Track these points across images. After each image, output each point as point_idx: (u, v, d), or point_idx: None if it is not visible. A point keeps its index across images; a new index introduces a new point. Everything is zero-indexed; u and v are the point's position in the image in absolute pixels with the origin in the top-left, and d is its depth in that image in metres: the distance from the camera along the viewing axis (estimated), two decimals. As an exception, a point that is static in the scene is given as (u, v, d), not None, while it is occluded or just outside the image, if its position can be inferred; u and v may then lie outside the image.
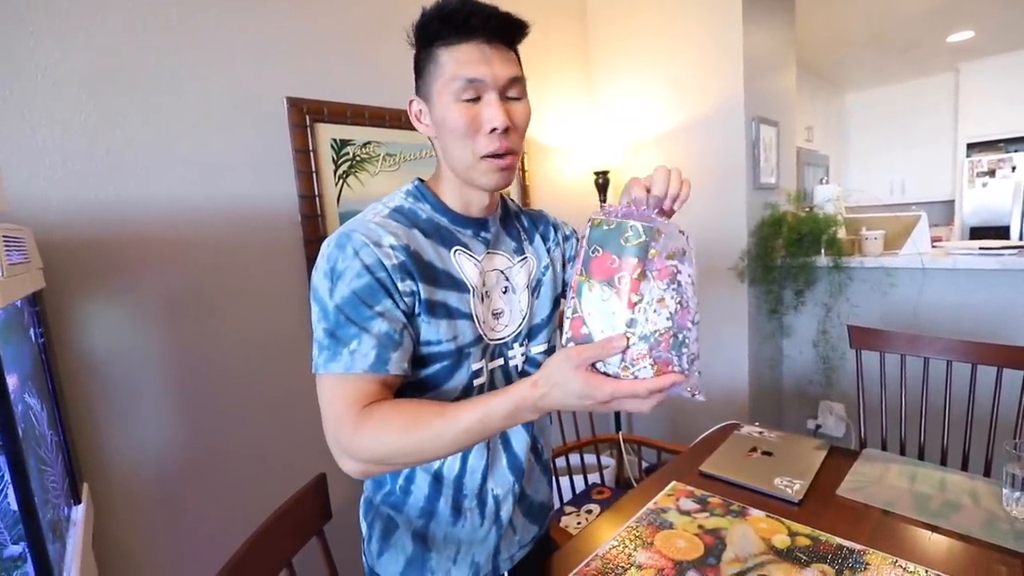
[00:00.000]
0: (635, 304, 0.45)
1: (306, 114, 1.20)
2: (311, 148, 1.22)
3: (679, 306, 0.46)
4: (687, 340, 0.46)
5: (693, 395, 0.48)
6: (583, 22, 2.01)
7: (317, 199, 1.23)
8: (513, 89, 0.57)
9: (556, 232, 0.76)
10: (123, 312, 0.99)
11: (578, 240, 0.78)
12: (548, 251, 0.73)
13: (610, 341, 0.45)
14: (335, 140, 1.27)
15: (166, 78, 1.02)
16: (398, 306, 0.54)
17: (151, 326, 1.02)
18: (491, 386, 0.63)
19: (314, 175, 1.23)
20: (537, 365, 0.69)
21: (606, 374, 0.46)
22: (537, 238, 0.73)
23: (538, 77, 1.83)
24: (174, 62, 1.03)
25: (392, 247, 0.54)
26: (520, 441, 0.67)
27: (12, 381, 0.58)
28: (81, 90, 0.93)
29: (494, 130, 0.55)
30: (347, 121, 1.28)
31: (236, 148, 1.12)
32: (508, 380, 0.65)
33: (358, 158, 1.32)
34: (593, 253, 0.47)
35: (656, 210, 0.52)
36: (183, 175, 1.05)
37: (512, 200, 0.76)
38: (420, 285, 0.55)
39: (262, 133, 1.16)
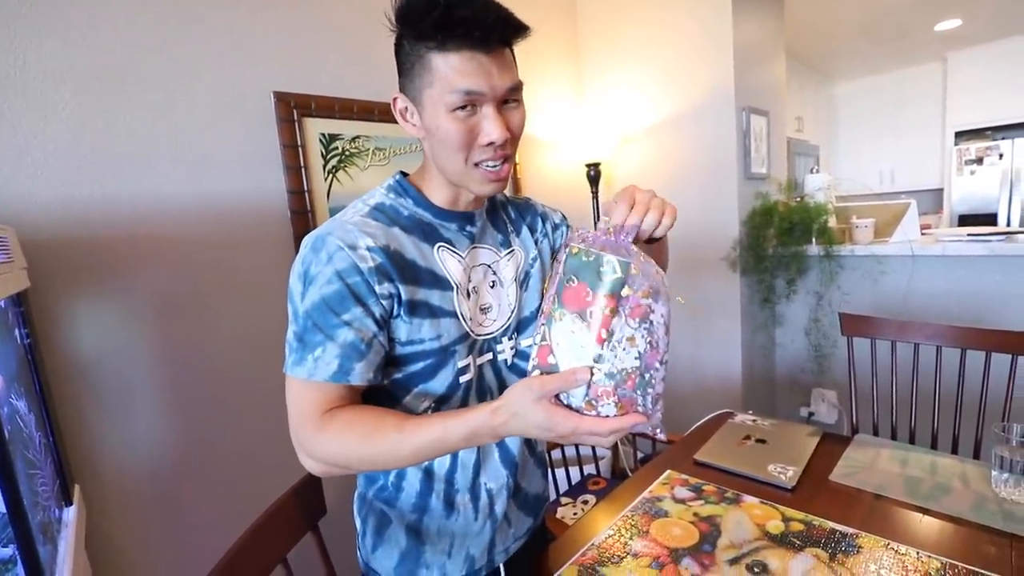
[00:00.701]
0: (604, 340, 0.45)
1: (294, 108, 1.19)
2: (299, 143, 1.20)
3: (649, 346, 0.46)
4: (653, 380, 0.46)
5: (655, 433, 0.49)
6: (572, 13, 2.00)
7: (306, 194, 1.22)
8: (511, 96, 0.54)
9: (544, 222, 0.74)
10: (111, 311, 0.98)
11: (568, 228, 0.78)
12: (536, 242, 0.71)
13: (574, 373, 0.45)
14: (324, 135, 1.26)
15: (151, 73, 1.01)
16: (371, 314, 0.53)
17: (140, 324, 1.01)
18: (479, 381, 0.63)
19: (303, 170, 1.21)
20: (527, 358, 0.68)
21: (568, 406, 0.46)
22: (524, 230, 0.71)
23: (528, 70, 1.80)
24: (159, 57, 1.01)
25: (369, 249, 0.53)
26: (515, 440, 0.67)
27: (-4, 382, 0.57)
28: (64, 86, 0.91)
29: (491, 143, 0.53)
30: (335, 115, 1.26)
31: (223, 144, 1.11)
32: (497, 375, 0.65)
33: (347, 152, 1.30)
34: (568, 282, 0.47)
35: (632, 237, 0.50)
36: (169, 172, 1.04)
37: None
38: (400, 286, 0.54)
39: (249, 128, 1.14)
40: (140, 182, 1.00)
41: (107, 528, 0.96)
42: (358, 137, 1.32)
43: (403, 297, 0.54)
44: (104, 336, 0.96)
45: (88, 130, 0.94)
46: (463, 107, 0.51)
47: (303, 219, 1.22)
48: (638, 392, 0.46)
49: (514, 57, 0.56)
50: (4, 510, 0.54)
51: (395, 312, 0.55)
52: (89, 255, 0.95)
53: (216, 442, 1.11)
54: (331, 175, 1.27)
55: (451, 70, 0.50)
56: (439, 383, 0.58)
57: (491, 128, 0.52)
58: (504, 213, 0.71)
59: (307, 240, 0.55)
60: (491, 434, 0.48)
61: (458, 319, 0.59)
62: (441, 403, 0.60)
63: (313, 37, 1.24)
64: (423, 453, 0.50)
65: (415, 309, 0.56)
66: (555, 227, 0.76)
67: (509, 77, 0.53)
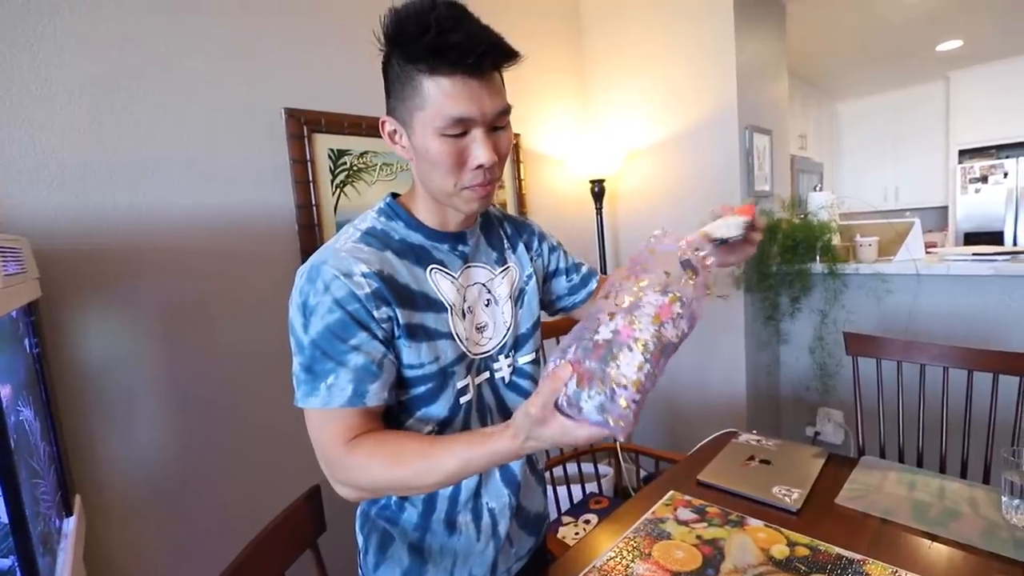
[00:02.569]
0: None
1: (304, 124, 1.21)
2: (308, 158, 1.22)
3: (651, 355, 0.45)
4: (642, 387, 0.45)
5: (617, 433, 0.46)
6: (577, 32, 2.04)
7: (314, 209, 1.24)
8: (499, 120, 0.54)
9: (540, 243, 0.75)
10: (119, 322, 0.99)
11: (564, 252, 0.79)
12: (531, 259, 0.72)
13: (556, 374, 0.44)
14: (332, 150, 1.28)
15: (164, 89, 1.03)
16: (376, 336, 0.53)
17: (147, 336, 1.02)
18: (479, 401, 0.62)
19: (311, 185, 1.23)
20: (525, 375, 0.68)
21: (573, 405, 0.44)
22: (521, 246, 0.71)
23: (533, 87, 1.85)
24: (172, 73, 1.04)
25: (364, 275, 0.53)
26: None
27: (5, 392, 0.58)
28: (80, 100, 0.94)
29: (480, 166, 0.53)
30: (344, 131, 1.29)
31: (234, 158, 1.13)
32: (495, 393, 0.65)
33: (355, 168, 1.32)
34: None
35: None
36: (180, 185, 1.06)
37: (495, 206, 0.75)
38: (397, 310, 0.54)
39: (260, 143, 1.17)
40: (151, 194, 1.02)
41: (106, 540, 0.96)
42: (366, 153, 1.34)
43: (400, 321, 0.55)
44: (111, 346, 0.97)
45: (103, 143, 0.96)
46: (454, 131, 0.52)
47: (310, 233, 1.23)
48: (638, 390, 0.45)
49: (503, 81, 0.56)
50: (6, 519, 0.54)
51: (396, 334, 0.55)
52: (99, 266, 0.96)
53: (217, 457, 1.11)
54: (339, 190, 1.29)
55: (442, 95, 0.50)
56: (440, 407, 0.58)
57: (481, 152, 0.53)
58: (500, 228, 0.71)
59: (302, 270, 0.55)
60: (515, 456, 0.49)
61: (454, 340, 0.59)
62: (444, 427, 0.60)
63: (324, 55, 1.27)
64: (450, 479, 0.51)
65: (413, 332, 0.56)
66: (552, 249, 0.77)
67: (499, 102, 0.53)
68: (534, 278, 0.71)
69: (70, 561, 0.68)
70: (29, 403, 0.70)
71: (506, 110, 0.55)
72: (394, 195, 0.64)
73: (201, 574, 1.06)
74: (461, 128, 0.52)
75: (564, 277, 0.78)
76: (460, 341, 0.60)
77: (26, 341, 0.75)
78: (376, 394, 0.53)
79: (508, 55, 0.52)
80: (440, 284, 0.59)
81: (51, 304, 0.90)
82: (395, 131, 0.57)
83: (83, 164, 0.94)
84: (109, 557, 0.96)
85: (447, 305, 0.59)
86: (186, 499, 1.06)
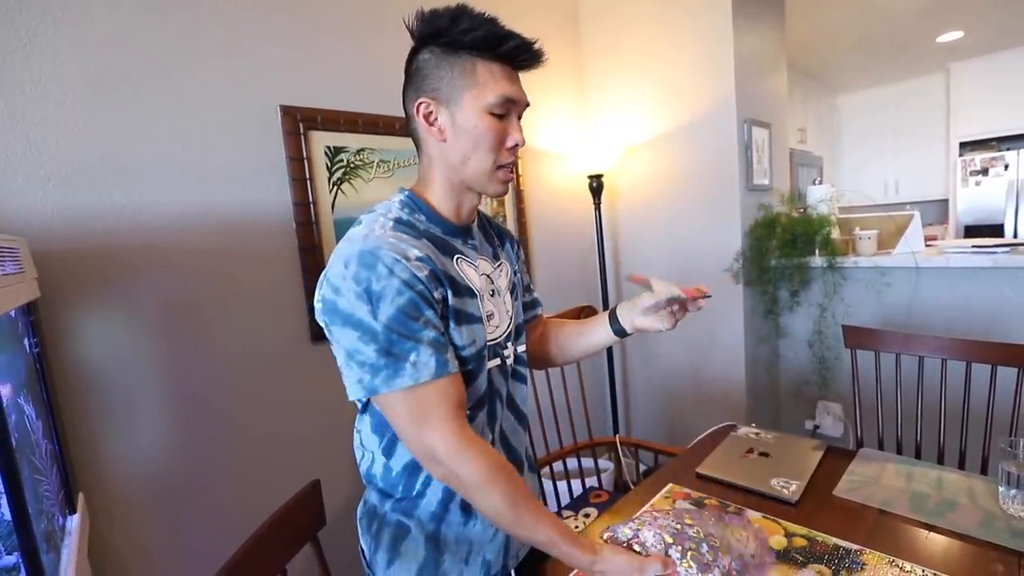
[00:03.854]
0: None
1: (300, 122, 1.21)
2: (305, 156, 1.22)
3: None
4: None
5: None
6: (575, 26, 2.03)
7: (311, 206, 1.24)
8: (523, 112, 0.63)
9: (517, 250, 0.80)
10: (118, 321, 0.99)
11: (525, 270, 0.84)
12: (516, 258, 0.77)
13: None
14: (329, 147, 1.28)
15: (160, 87, 1.03)
16: (438, 313, 0.56)
17: (146, 335, 1.02)
18: (490, 386, 0.65)
19: (308, 182, 1.23)
20: (523, 363, 0.73)
21: None
22: (507, 245, 0.77)
23: (530, 81, 1.83)
24: (168, 71, 1.04)
25: (419, 258, 0.55)
26: (519, 442, 0.72)
27: (6, 390, 0.58)
28: (76, 99, 0.94)
29: (515, 146, 0.61)
30: (341, 128, 1.29)
31: (230, 156, 1.13)
32: (505, 378, 0.68)
33: (352, 165, 1.32)
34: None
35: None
36: (177, 184, 1.06)
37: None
38: (448, 292, 0.58)
39: (256, 141, 1.16)
40: (148, 193, 1.02)
41: (110, 537, 0.97)
42: (363, 150, 1.34)
43: (451, 303, 0.58)
44: (110, 345, 0.98)
45: (98, 142, 0.96)
46: (500, 110, 0.59)
47: (308, 231, 1.23)
48: None
49: None
50: (9, 517, 0.55)
51: (447, 314, 0.58)
52: (97, 266, 0.96)
53: (218, 454, 1.11)
54: (336, 187, 1.29)
55: (494, 78, 0.58)
56: (476, 390, 0.62)
57: (517, 133, 0.61)
58: (489, 227, 0.76)
59: (348, 259, 0.53)
60: (582, 569, 0.57)
61: (483, 324, 0.63)
62: (475, 410, 0.63)
63: (319, 51, 1.26)
64: (523, 537, 0.57)
65: (459, 316, 0.59)
66: (520, 260, 0.81)
67: (526, 96, 0.62)
68: (518, 274, 0.77)
69: (74, 558, 0.69)
70: (30, 402, 0.70)
71: (528, 104, 0.63)
72: (407, 190, 0.66)
73: (203, 569, 1.06)
74: (506, 108, 0.59)
75: (521, 292, 0.81)
76: (486, 326, 0.64)
77: (26, 340, 0.75)
78: (453, 363, 0.56)
79: (541, 59, 0.62)
80: (466, 272, 0.63)
81: (50, 304, 0.90)
82: (431, 112, 0.60)
83: (79, 163, 0.94)
84: (113, 554, 0.97)
85: (476, 291, 0.63)
86: (188, 496, 1.07)
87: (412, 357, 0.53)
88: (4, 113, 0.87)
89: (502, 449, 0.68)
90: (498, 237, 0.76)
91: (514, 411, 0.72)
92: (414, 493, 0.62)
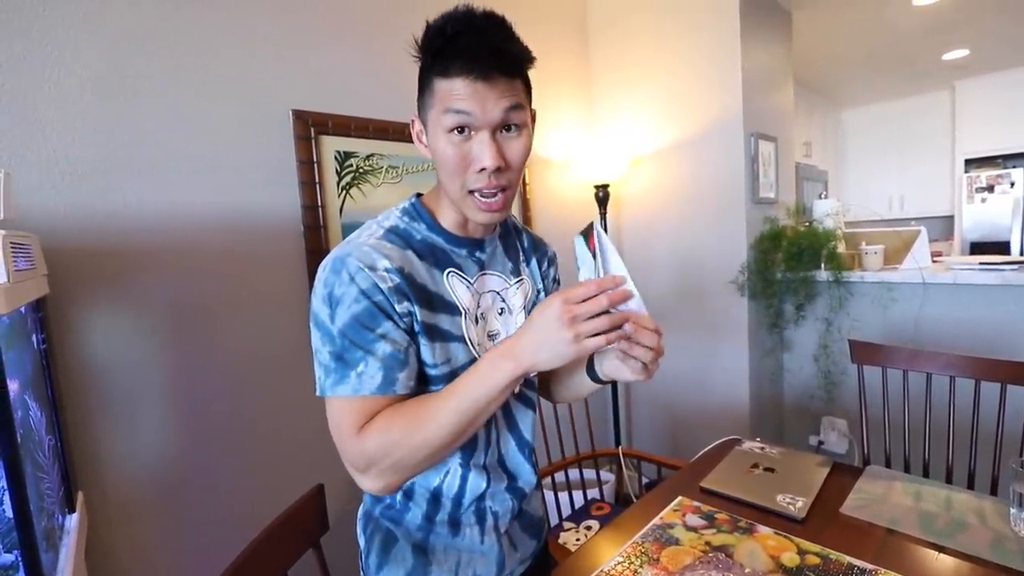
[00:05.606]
0: None
1: (311, 126, 1.22)
2: (315, 160, 1.23)
3: None
4: None
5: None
6: (584, 38, 2.05)
7: (320, 210, 1.25)
8: (511, 123, 0.54)
9: (550, 268, 0.76)
10: (125, 319, 0.99)
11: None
12: (543, 276, 0.73)
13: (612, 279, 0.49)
14: (339, 152, 1.29)
15: (173, 89, 1.04)
16: (399, 327, 0.54)
17: (152, 334, 1.02)
18: None
19: (317, 186, 1.24)
20: (532, 387, 0.70)
21: None
22: (534, 261, 0.73)
23: (539, 91, 1.84)
24: (181, 74, 1.05)
25: (387, 270, 0.54)
26: (521, 467, 0.67)
27: (13, 387, 0.58)
28: (90, 99, 0.95)
29: (482, 169, 0.53)
30: (351, 134, 1.30)
31: (242, 158, 1.14)
32: (506, 402, 0.65)
33: (361, 170, 1.33)
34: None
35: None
36: (189, 184, 1.06)
37: (514, 217, 0.76)
38: (416, 307, 0.56)
39: (267, 144, 1.17)
40: (159, 193, 1.03)
41: (107, 537, 0.96)
42: (372, 155, 1.35)
43: (419, 318, 0.56)
44: (116, 344, 0.98)
45: (111, 142, 0.97)
46: (459, 130, 0.53)
47: (316, 234, 1.24)
48: None
49: (526, 84, 0.57)
50: (10, 514, 0.55)
51: (416, 329, 0.56)
52: (106, 264, 0.97)
53: (221, 456, 1.11)
54: (344, 192, 1.30)
55: (447, 93, 0.52)
56: None
57: (482, 153, 0.53)
58: (518, 240, 0.72)
59: (326, 262, 0.56)
60: (508, 351, 0.50)
61: (466, 344, 0.60)
62: None
63: (332, 57, 1.28)
64: (464, 407, 0.51)
65: (429, 332, 0.57)
66: (555, 281, 0.77)
67: (505, 102, 0.53)
68: (542, 294, 0.72)
69: (72, 558, 0.68)
70: (35, 398, 0.70)
71: (516, 109, 0.54)
72: (419, 195, 0.65)
73: (203, 573, 1.05)
74: (464, 126, 0.53)
75: None
76: (472, 346, 0.60)
77: (34, 337, 0.75)
78: (404, 382, 0.54)
79: (514, 58, 0.53)
80: (456, 288, 0.60)
81: (59, 301, 0.91)
82: (421, 131, 0.59)
83: (91, 163, 0.95)
84: (110, 555, 0.96)
85: (462, 309, 0.60)
86: (188, 498, 1.06)
87: (360, 367, 0.52)
88: (20, 111, 0.88)
89: (504, 476, 0.65)
90: (525, 252, 0.72)
91: (516, 437, 0.67)
92: (398, 503, 0.62)
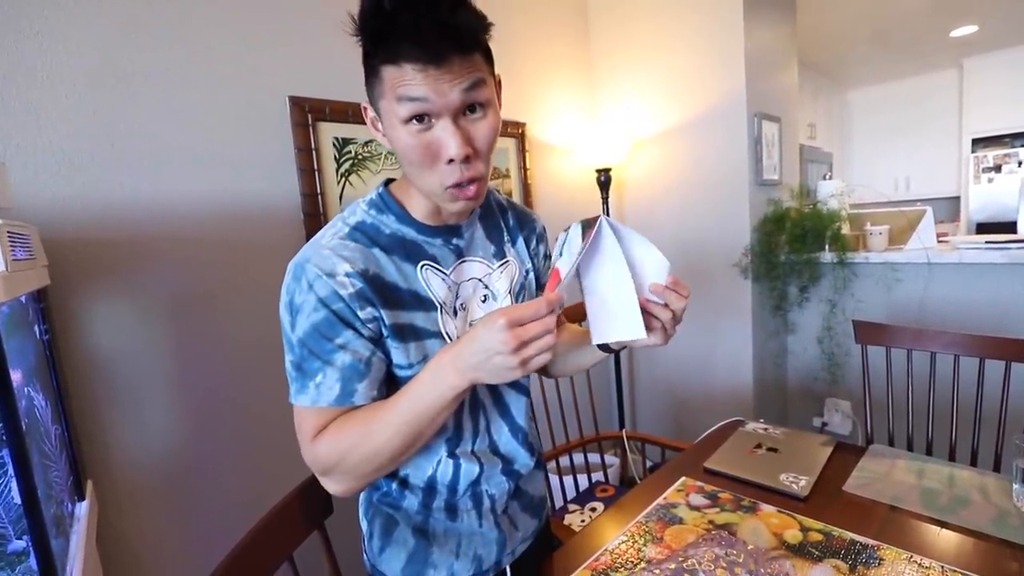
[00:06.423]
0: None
1: (308, 113, 1.21)
2: (313, 147, 1.22)
3: None
4: None
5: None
6: (584, 20, 2.01)
7: (319, 197, 1.24)
8: (472, 104, 0.48)
9: (539, 245, 0.71)
10: (127, 309, 0.99)
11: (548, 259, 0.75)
12: (532, 255, 0.69)
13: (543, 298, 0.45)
14: (337, 139, 1.27)
15: (170, 76, 1.03)
16: (362, 335, 0.52)
17: (155, 323, 1.02)
18: (472, 398, 0.62)
19: (316, 174, 1.23)
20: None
21: None
22: (520, 240, 0.68)
23: (539, 75, 1.83)
24: (177, 61, 1.04)
25: (347, 275, 0.51)
26: (515, 452, 0.66)
27: (16, 376, 0.58)
28: (86, 89, 0.94)
29: (451, 160, 0.49)
30: (349, 120, 1.28)
31: (239, 146, 1.13)
32: (492, 389, 0.64)
33: (360, 156, 1.32)
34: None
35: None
36: (187, 173, 1.06)
37: (498, 192, 0.70)
38: (382, 311, 0.53)
39: (265, 132, 1.16)
40: (158, 183, 1.02)
41: (118, 524, 0.97)
42: (371, 141, 1.33)
43: (387, 321, 0.54)
44: (119, 333, 0.98)
45: (108, 132, 0.96)
46: (416, 119, 0.47)
47: (316, 221, 1.23)
48: None
49: (486, 54, 0.50)
50: (19, 501, 0.55)
51: (384, 334, 0.54)
52: (106, 254, 0.97)
53: (227, 441, 1.12)
54: (344, 178, 1.29)
55: (396, 80, 0.46)
56: None
57: (448, 144, 0.48)
58: (502, 218, 0.67)
59: (290, 266, 0.54)
60: (451, 363, 0.47)
61: (444, 339, 0.57)
62: (457, 415, 0.60)
63: (328, 42, 1.26)
64: (409, 418, 0.49)
65: (401, 332, 0.55)
66: (546, 257, 0.73)
67: (463, 82, 0.46)
68: (531, 275, 0.68)
69: (83, 544, 0.69)
70: (39, 388, 0.70)
71: (477, 85, 0.47)
72: (388, 182, 0.61)
73: (212, 557, 1.07)
74: (416, 112, 0.47)
75: (536, 292, 0.72)
76: (450, 339, 0.58)
77: (36, 327, 0.76)
78: (364, 393, 0.53)
79: (466, 33, 0.46)
80: (431, 282, 0.57)
81: (60, 292, 0.91)
82: (375, 118, 0.53)
83: (88, 153, 0.94)
84: (121, 541, 0.98)
85: (437, 304, 0.57)
86: (196, 484, 1.07)
87: (318, 378, 0.51)
88: (17, 102, 0.87)
89: (493, 460, 0.64)
90: (510, 230, 0.67)
91: (509, 423, 0.66)
92: (394, 491, 0.62)
